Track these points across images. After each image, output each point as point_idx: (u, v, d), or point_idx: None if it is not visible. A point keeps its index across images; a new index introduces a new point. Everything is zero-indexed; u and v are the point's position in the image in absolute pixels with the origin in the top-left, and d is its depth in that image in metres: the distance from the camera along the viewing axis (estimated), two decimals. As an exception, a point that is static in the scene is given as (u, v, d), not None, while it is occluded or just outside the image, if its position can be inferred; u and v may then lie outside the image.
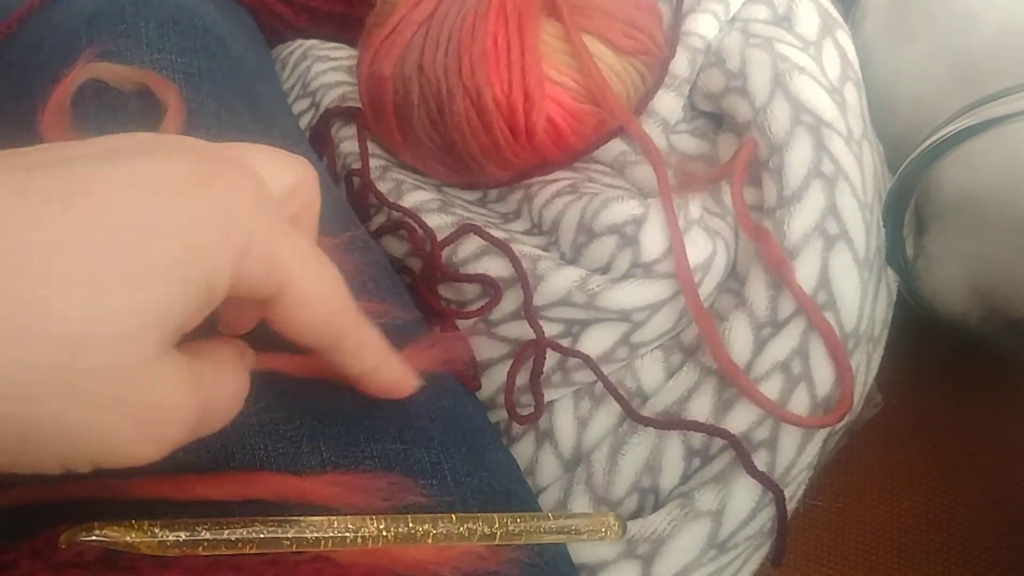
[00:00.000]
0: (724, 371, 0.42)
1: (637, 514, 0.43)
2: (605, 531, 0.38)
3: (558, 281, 0.44)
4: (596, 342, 0.45)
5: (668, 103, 0.50)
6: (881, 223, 0.46)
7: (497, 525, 0.34)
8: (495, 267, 0.46)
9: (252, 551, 0.30)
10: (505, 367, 0.45)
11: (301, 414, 0.35)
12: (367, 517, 0.32)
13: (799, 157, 0.44)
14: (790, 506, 0.43)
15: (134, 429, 0.25)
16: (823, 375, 0.42)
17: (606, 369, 0.45)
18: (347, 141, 0.54)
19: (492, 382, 0.46)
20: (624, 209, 0.44)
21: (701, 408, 0.43)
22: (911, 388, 0.54)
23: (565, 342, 0.45)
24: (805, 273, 0.43)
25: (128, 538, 0.28)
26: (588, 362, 0.44)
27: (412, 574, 0.32)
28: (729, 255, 0.46)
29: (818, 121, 0.45)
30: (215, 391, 0.29)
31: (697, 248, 0.44)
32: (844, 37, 0.51)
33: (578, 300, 0.44)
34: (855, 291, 0.43)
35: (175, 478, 0.32)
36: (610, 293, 0.43)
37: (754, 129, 0.46)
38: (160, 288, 0.25)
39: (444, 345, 0.40)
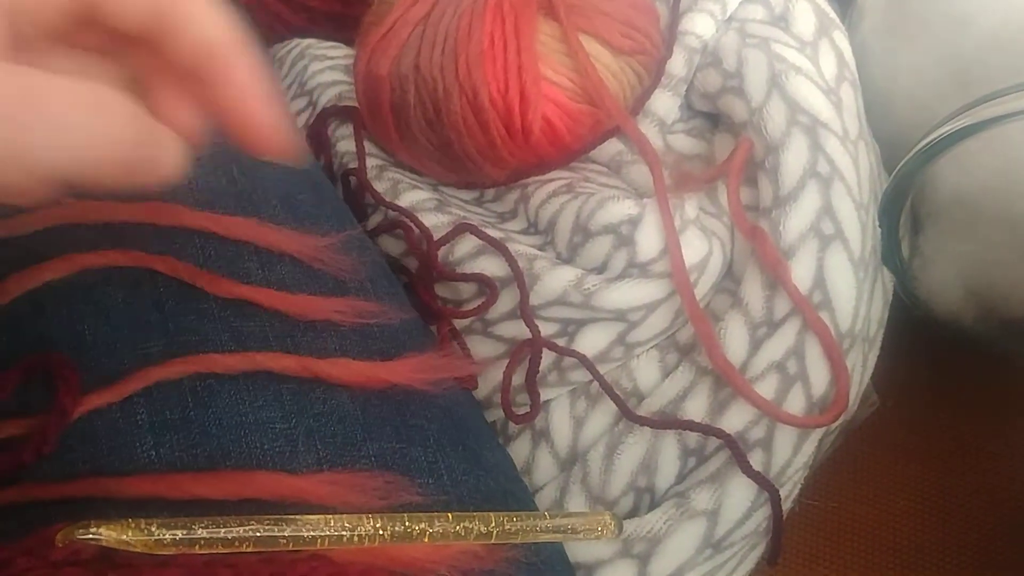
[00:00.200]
0: (720, 371, 0.43)
1: (633, 513, 0.44)
2: (601, 530, 0.38)
3: (554, 281, 0.44)
4: (592, 342, 0.45)
5: (665, 103, 0.50)
6: (877, 223, 0.46)
7: (493, 524, 0.34)
8: (491, 266, 0.46)
9: (248, 550, 0.30)
10: (501, 366, 0.45)
11: (297, 413, 0.36)
12: (363, 516, 0.32)
13: (795, 157, 0.44)
14: (785, 506, 0.43)
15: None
16: (819, 375, 0.42)
17: (602, 369, 0.45)
18: (344, 140, 0.54)
19: (488, 381, 0.46)
20: (620, 209, 0.44)
21: (697, 408, 0.43)
22: (906, 388, 0.54)
23: (561, 341, 0.45)
24: (801, 273, 0.43)
25: (125, 536, 0.28)
26: (584, 362, 0.44)
27: (408, 573, 0.32)
28: (725, 255, 0.46)
29: (814, 121, 0.45)
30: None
31: (693, 248, 0.44)
32: (841, 37, 0.51)
33: (574, 300, 0.44)
34: (851, 291, 0.43)
35: (171, 477, 0.33)
36: (606, 293, 0.44)
37: (750, 129, 0.46)
38: None
39: (449, 363, 0.40)
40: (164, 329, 0.36)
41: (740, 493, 0.42)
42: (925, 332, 0.51)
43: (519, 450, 0.46)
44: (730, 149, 0.48)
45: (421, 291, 0.47)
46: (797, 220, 0.43)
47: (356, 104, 0.54)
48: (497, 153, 0.48)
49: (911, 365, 0.53)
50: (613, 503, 0.44)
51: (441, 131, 0.48)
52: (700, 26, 0.50)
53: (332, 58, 0.60)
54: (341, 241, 0.41)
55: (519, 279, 0.45)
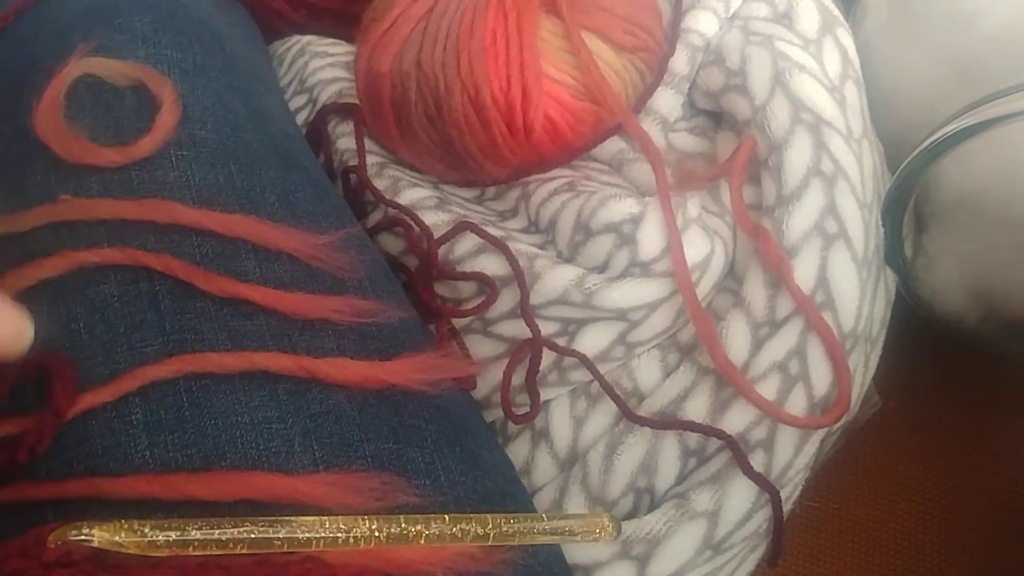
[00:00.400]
0: (721, 371, 0.42)
1: (632, 514, 0.43)
2: (599, 532, 0.37)
3: (555, 280, 0.44)
4: (593, 341, 0.44)
5: (667, 101, 0.50)
6: (880, 223, 0.46)
7: (491, 526, 0.34)
8: (492, 265, 0.46)
9: (242, 551, 0.30)
10: (501, 366, 0.45)
11: (294, 413, 0.35)
12: (359, 517, 0.32)
13: (798, 156, 0.44)
14: (786, 507, 0.43)
15: None
16: (821, 375, 0.42)
17: (602, 368, 0.45)
18: (344, 138, 0.54)
19: (488, 381, 0.46)
20: (622, 207, 0.44)
21: (698, 408, 0.43)
22: (908, 389, 0.54)
23: (561, 341, 0.45)
24: (804, 272, 0.43)
25: (117, 538, 0.28)
26: (584, 361, 0.44)
27: (404, 575, 0.32)
28: (727, 254, 0.46)
29: (818, 120, 0.44)
30: None
31: (695, 247, 0.44)
32: (844, 35, 0.50)
33: (575, 299, 0.44)
34: (854, 291, 0.43)
35: (165, 477, 0.32)
36: (607, 292, 0.43)
37: (753, 127, 0.46)
38: None
39: (448, 363, 0.39)
40: (160, 328, 0.36)
41: (741, 494, 0.41)
42: (927, 332, 0.51)
43: (518, 450, 0.46)
44: (732, 148, 0.48)
45: (420, 290, 0.47)
46: (800, 219, 0.43)
47: (356, 101, 0.53)
48: (498, 151, 0.47)
49: (913, 365, 0.53)
50: (613, 504, 0.43)
51: (442, 128, 0.48)
52: (703, 24, 0.50)
53: (332, 55, 0.59)
54: (340, 239, 0.41)
55: (519, 278, 0.44)
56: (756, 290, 0.44)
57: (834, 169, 0.44)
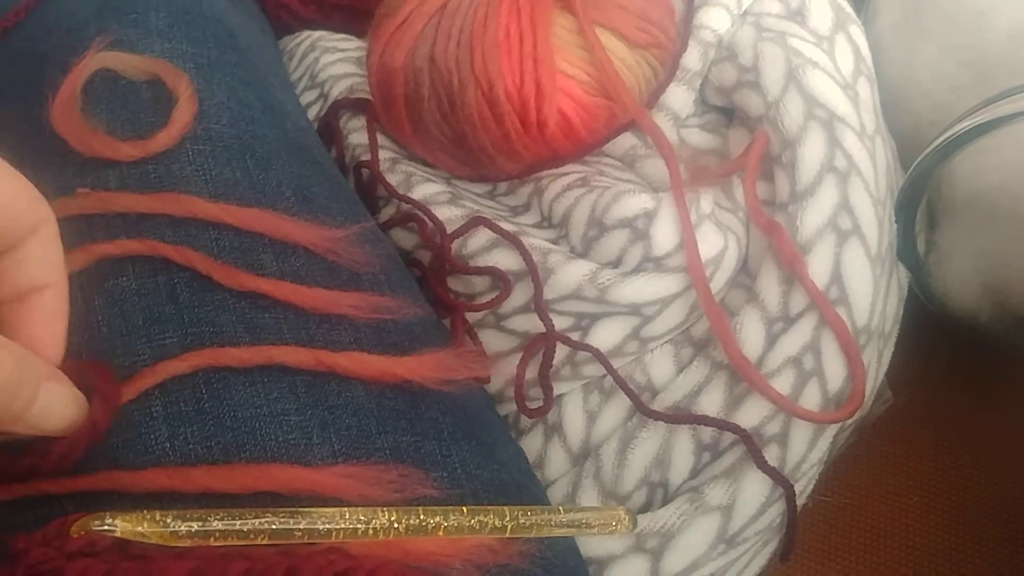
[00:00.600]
0: (735, 366, 0.42)
1: (646, 508, 0.43)
2: (616, 525, 0.37)
3: (568, 275, 0.44)
4: (606, 336, 0.45)
5: (679, 97, 0.50)
6: (893, 219, 0.46)
7: (508, 518, 0.34)
8: (505, 260, 0.46)
9: (263, 542, 0.30)
10: (514, 360, 0.45)
11: (312, 405, 0.35)
12: (378, 509, 0.32)
13: (812, 152, 0.44)
14: (800, 501, 0.43)
15: None
16: (835, 371, 0.42)
17: (616, 363, 0.45)
18: (356, 133, 0.54)
19: (501, 375, 0.46)
20: (636, 203, 0.44)
21: (712, 403, 0.43)
22: (920, 384, 0.54)
23: (575, 336, 0.45)
24: (818, 268, 0.43)
25: (140, 528, 0.28)
26: (598, 356, 0.44)
27: (424, 566, 0.32)
28: (740, 250, 0.46)
29: (831, 116, 0.45)
30: None
31: (708, 243, 0.44)
32: (857, 32, 0.50)
33: (588, 294, 0.44)
34: (868, 287, 0.43)
35: (185, 471, 0.32)
36: (621, 287, 0.43)
37: (766, 123, 0.46)
38: None
39: (464, 363, 0.39)
40: (179, 320, 0.36)
41: (755, 488, 0.41)
42: (939, 328, 0.51)
43: (531, 444, 0.46)
44: (744, 144, 0.48)
45: (434, 284, 0.47)
46: (814, 215, 0.43)
47: (368, 96, 0.54)
48: (512, 146, 0.47)
49: (925, 361, 0.53)
50: (626, 498, 0.43)
51: (455, 124, 0.48)
52: (715, 20, 0.50)
53: (343, 50, 0.60)
54: (355, 234, 0.41)
55: (533, 273, 0.44)
56: (770, 286, 0.44)
57: (848, 165, 0.44)
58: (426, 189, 0.50)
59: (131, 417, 0.34)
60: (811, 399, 0.42)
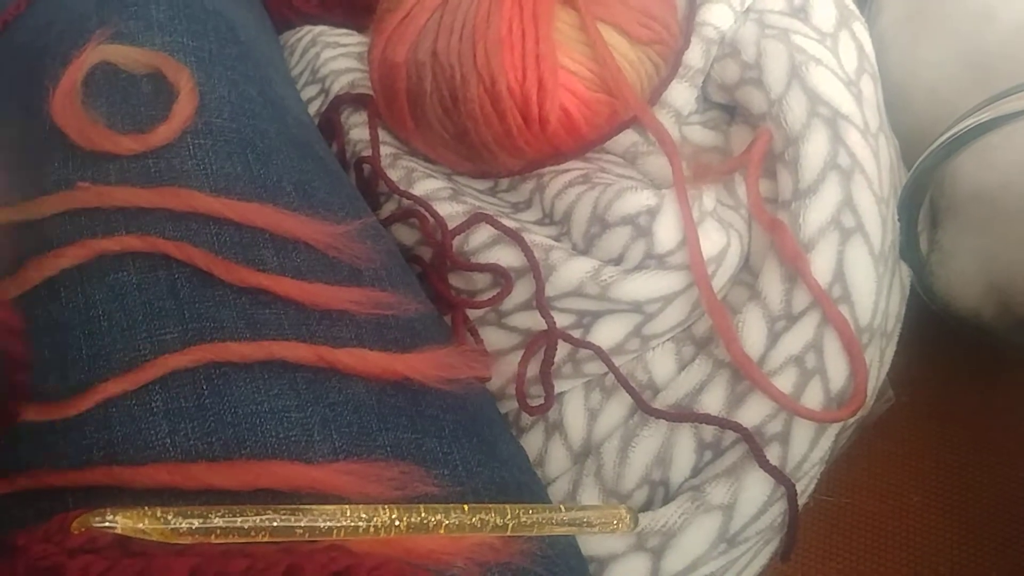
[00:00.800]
0: (737, 364, 0.42)
1: (647, 507, 0.43)
2: (617, 523, 0.37)
3: (570, 272, 0.44)
4: (608, 333, 0.44)
5: (682, 94, 0.50)
6: (896, 217, 0.46)
7: (509, 516, 0.34)
8: (507, 257, 0.46)
9: (264, 539, 0.30)
10: (516, 358, 0.45)
11: (312, 402, 0.35)
12: (379, 506, 0.32)
13: (815, 149, 0.44)
14: (801, 501, 0.43)
15: None
16: (837, 369, 0.42)
17: (617, 361, 0.45)
18: (357, 128, 0.53)
19: (502, 373, 0.46)
20: (638, 200, 0.44)
21: (713, 401, 0.43)
22: (922, 384, 0.54)
23: (576, 333, 0.45)
24: (820, 266, 0.43)
25: (141, 525, 0.28)
26: (599, 353, 0.44)
27: (425, 564, 0.32)
28: (743, 247, 0.46)
29: (835, 113, 0.44)
30: None
31: (711, 240, 0.44)
32: (861, 29, 0.50)
33: (590, 291, 0.44)
34: (870, 285, 0.43)
35: (185, 466, 0.32)
36: (623, 284, 0.43)
37: (769, 121, 0.46)
38: None
39: (465, 361, 0.39)
40: (179, 315, 0.36)
41: (756, 487, 0.41)
42: (941, 327, 0.51)
43: (532, 442, 0.46)
44: (746, 141, 0.47)
45: (435, 281, 0.47)
46: (817, 213, 0.43)
47: (369, 91, 0.53)
48: (513, 142, 0.47)
49: (927, 360, 0.53)
50: (627, 496, 0.43)
51: (457, 119, 0.48)
52: (718, 16, 0.50)
53: (344, 45, 0.59)
54: (356, 229, 0.41)
55: (535, 270, 0.44)
56: (772, 283, 0.44)
57: (851, 163, 0.44)
58: (427, 185, 0.49)
59: (131, 412, 0.33)
60: (813, 398, 0.42)
